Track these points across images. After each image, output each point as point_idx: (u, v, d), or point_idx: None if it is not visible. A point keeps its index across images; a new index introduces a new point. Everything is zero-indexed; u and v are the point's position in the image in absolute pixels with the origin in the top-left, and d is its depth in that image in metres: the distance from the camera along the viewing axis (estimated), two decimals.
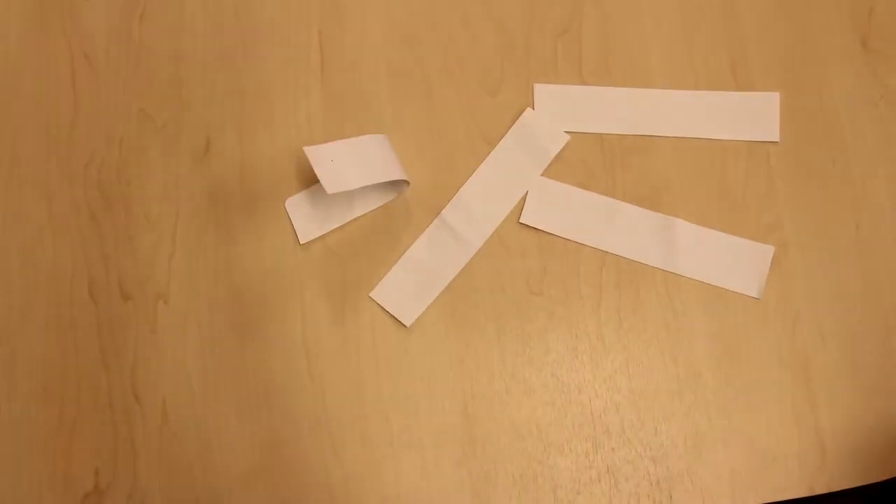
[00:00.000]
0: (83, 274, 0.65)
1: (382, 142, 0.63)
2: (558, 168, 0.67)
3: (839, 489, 0.61)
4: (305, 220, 0.65)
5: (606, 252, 0.65)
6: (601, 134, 0.67)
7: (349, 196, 0.65)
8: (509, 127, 0.67)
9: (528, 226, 0.65)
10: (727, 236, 0.65)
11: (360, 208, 0.66)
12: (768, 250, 0.64)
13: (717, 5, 0.70)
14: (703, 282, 0.64)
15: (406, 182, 0.63)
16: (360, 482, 0.61)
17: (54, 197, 0.66)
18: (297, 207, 0.65)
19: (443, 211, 0.65)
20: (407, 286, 0.64)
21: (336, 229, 0.65)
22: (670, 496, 0.61)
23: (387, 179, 0.62)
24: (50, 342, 0.64)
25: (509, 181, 0.66)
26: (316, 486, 0.61)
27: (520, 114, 0.68)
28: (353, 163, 0.63)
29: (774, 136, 0.67)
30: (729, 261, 0.64)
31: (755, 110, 0.68)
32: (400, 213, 0.66)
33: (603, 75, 0.69)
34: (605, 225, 0.65)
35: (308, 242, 0.65)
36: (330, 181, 0.60)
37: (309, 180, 0.66)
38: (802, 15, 0.70)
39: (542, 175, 0.66)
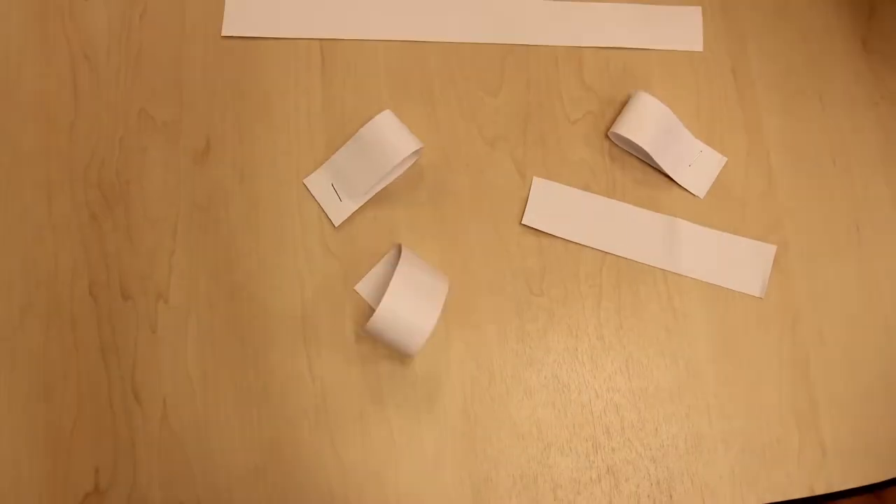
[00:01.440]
0: (83, 273, 0.65)
1: (381, 124, 0.64)
2: (559, 169, 0.67)
3: (839, 489, 0.61)
4: (332, 202, 0.66)
5: (607, 253, 0.65)
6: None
7: (370, 174, 0.65)
8: (509, 128, 0.67)
9: (529, 227, 0.65)
10: (729, 236, 0.65)
11: (381, 183, 0.66)
12: (770, 249, 0.64)
13: (717, 7, 0.70)
14: (703, 281, 0.64)
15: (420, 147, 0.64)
16: (360, 482, 0.61)
17: (55, 196, 0.66)
18: (321, 190, 0.66)
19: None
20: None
21: (336, 231, 0.65)
22: (670, 496, 0.61)
23: (396, 163, 0.63)
24: (50, 342, 0.64)
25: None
26: (316, 486, 0.61)
27: (520, 115, 0.68)
28: (357, 167, 0.64)
29: (698, 45, 0.69)
30: (731, 260, 0.64)
31: (678, 22, 0.69)
32: (400, 214, 0.66)
33: (603, 77, 0.69)
34: (607, 226, 0.65)
35: (308, 243, 0.65)
36: (336, 212, 0.62)
37: (313, 211, 0.66)
38: (803, 16, 0.70)
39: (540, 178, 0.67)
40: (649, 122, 0.64)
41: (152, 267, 0.65)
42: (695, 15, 0.69)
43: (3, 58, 0.69)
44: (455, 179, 0.67)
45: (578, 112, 0.68)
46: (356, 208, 0.65)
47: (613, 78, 0.69)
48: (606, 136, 0.67)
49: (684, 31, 0.69)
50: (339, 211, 0.65)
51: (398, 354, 0.63)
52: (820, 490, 0.61)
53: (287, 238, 0.65)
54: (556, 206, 0.66)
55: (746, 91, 0.69)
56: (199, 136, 0.67)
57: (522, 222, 0.65)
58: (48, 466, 0.62)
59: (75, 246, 0.65)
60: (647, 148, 0.63)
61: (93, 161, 0.67)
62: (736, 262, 0.64)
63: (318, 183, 0.66)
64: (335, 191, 0.64)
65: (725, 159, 0.66)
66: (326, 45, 0.69)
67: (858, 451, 0.62)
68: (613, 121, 0.67)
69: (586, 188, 0.66)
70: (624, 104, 0.67)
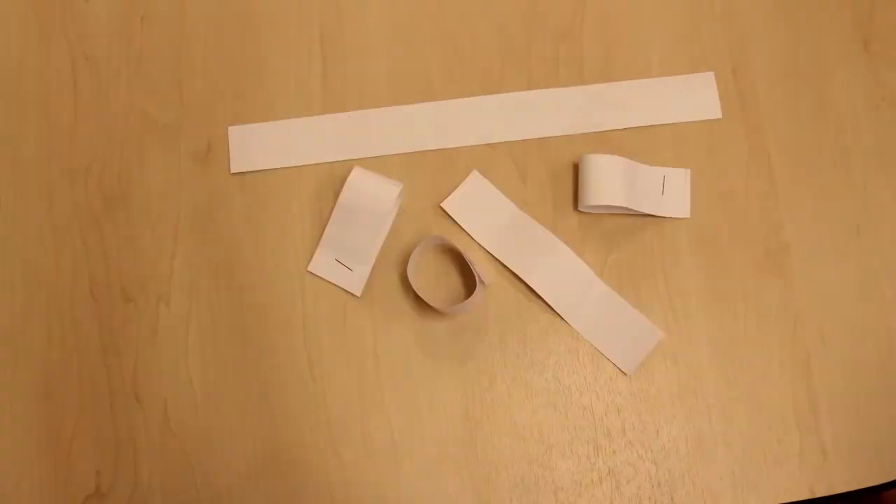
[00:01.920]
0: (84, 275, 0.65)
1: (356, 184, 0.63)
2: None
3: (840, 491, 0.61)
4: (344, 276, 0.64)
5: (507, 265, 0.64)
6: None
7: (367, 236, 0.64)
8: None
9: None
10: (628, 307, 0.64)
11: (382, 236, 0.65)
12: (656, 334, 0.63)
13: (718, 6, 0.70)
14: (704, 282, 0.64)
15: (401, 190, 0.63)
16: (360, 484, 0.61)
17: (56, 198, 0.66)
18: (328, 270, 0.65)
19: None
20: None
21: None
22: (671, 498, 0.61)
23: (386, 216, 0.63)
24: (51, 343, 0.64)
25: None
26: (316, 488, 0.61)
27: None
28: (351, 235, 0.63)
29: (716, 112, 0.68)
30: (618, 329, 0.63)
31: (692, 92, 0.68)
32: (400, 214, 0.66)
33: (603, 76, 0.69)
34: (513, 240, 0.64)
35: (308, 244, 0.65)
36: (353, 284, 0.63)
37: (313, 202, 0.66)
38: (804, 17, 0.70)
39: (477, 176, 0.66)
40: (611, 180, 0.63)
41: (153, 269, 0.65)
42: (708, 82, 0.68)
43: (3, 58, 0.69)
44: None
45: None
46: (370, 270, 0.64)
47: (614, 79, 0.69)
48: (576, 210, 0.66)
49: (700, 100, 0.68)
50: (356, 281, 0.64)
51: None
52: (821, 492, 0.61)
53: (287, 239, 0.65)
54: (478, 204, 0.65)
55: (747, 91, 0.68)
56: (199, 138, 0.67)
57: (441, 205, 0.65)
58: (49, 468, 0.62)
59: (76, 248, 0.65)
60: (624, 204, 0.62)
61: (93, 163, 0.67)
62: (621, 333, 0.63)
63: (323, 264, 0.65)
64: (342, 264, 0.64)
65: (689, 170, 0.66)
66: (327, 43, 0.69)
67: (859, 452, 0.62)
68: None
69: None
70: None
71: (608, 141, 0.67)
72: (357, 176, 0.63)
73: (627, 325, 0.63)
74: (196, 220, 0.66)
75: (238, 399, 0.63)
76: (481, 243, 0.65)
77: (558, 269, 0.64)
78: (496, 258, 0.64)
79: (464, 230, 0.65)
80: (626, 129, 0.67)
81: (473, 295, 0.61)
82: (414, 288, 0.62)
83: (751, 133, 0.68)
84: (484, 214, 0.65)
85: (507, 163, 0.67)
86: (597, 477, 0.61)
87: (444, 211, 0.65)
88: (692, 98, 0.68)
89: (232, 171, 0.66)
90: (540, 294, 0.63)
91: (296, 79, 0.68)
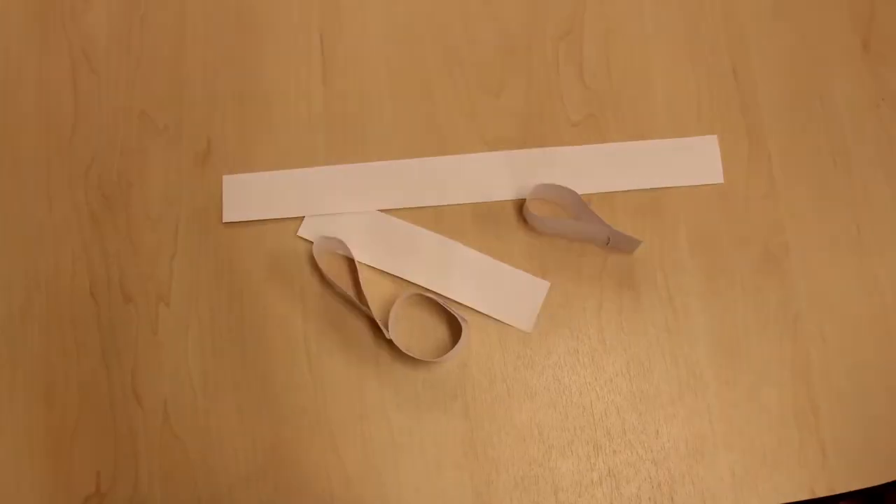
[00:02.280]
0: (84, 275, 0.65)
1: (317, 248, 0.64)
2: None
3: (840, 491, 0.61)
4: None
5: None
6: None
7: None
8: (510, 128, 0.67)
9: (530, 230, 0.65)
10: (505, 266, 0.64)
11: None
12: (543, 286, 0.64)
13: (718, 7, 0.70)
14: (701, 282, 0.64)
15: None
16: (360, 483, 0.61)
17: (55, 198, 0.66)
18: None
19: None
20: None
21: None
22: (671, 499, 0.61)
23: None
24: (51, 343, 0.64)
25: None
26: (317, 487, 0.61)
27: (521, 116, 0.68)
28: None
29: (718, 178, 0.66)
30: (503, 291, 0.64)
31: (695, 155, 0.67)
32: (402, 215, 0.66)
33: (603, 77, 0.69)
34: (375, 240, 0.65)
35: (309, 242, 0.65)
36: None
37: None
38: (803, 16, 0.70)
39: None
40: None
41: (153, 269, 0.65)
42: (711, 145, 0.67)
43: (3, 59, 0.69)
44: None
45: (579, 114, 0.68)
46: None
47: (615, 80, 0.68)
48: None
49: (703, 163, 0.66)
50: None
51: (402, 355, 0.63)
52: (821, 492, 0.61)
53: (287, 239, 0.65)
54: (338, 229, 0.65)
55: (747, 92, 0.68)
56: (199, 138, 0.67)
57: (297, 234, 0.65)
58: (49, 469, 0.62)
59: (76, 247, 0.65)
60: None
61: (94, 163, 0.67)
62: (508, 294, 0.64)
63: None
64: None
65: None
66: (327, 45, 0.69)
67: (860, 452, 0.62)
68: (614, 125, 0.67)
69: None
70: (628, 102, 0.67)
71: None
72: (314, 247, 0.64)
73: (513, 286, 0.64)
74: (196, 220, 0.66)
75: (238, 399, 0.63)
76: (369, 263, 0.64)
77: (427, 252, 0.64)
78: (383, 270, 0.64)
79: (358, 262, 0.64)
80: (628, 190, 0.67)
81: (461, 338, 0.61)
82: (403, 349, 0.61)
83: (751, 133, 0.68)
84: (347, 235, 0.65)
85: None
86: (597, 477, 0.61)
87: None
88: (694, 161, 0.67)
89: (224, 221, 0.66)
90: (419, 283, 0.64)
91: (295, 78, 0.68)
